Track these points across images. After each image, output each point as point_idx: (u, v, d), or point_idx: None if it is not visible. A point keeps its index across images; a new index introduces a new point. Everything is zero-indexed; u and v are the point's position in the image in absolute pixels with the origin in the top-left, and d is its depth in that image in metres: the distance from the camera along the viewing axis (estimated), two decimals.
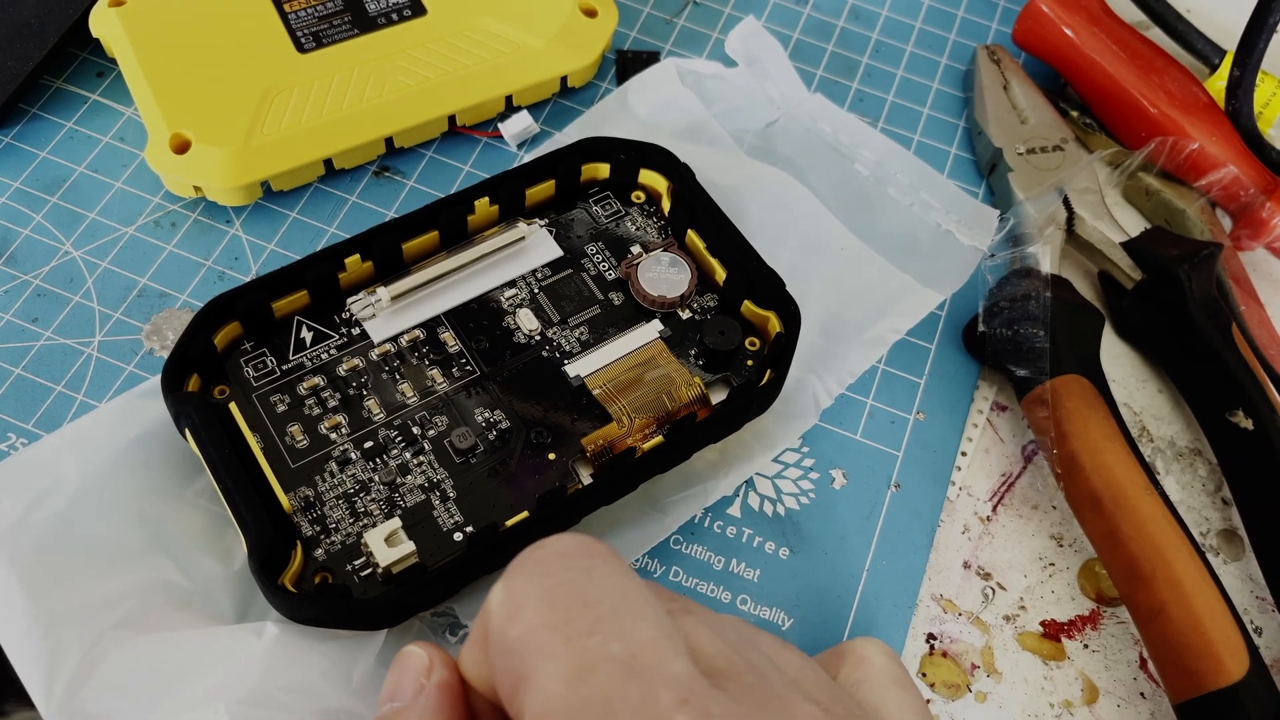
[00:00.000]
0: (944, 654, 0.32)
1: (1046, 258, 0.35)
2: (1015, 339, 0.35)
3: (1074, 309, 0.35)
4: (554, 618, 0.17)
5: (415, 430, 0.32)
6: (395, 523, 0.29)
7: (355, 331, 0.33)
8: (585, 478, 0.31)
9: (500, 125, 0.40)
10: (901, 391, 0.37)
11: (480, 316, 0.34)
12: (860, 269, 0.37)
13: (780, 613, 0.32)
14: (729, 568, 0.33)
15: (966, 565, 0.34)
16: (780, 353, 0.33)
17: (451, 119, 0.39)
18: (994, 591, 0.34)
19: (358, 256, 0.33)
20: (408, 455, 0.31)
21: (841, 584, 0.33)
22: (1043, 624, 0.33)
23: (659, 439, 0.31)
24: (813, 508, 0.34)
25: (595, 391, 0.33)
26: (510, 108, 0.40)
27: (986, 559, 0.34)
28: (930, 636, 0.33)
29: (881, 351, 0.36)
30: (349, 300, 0.33)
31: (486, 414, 0.32)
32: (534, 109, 0.41)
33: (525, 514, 0.29)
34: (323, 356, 0.33)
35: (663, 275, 0.35)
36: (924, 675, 0.32)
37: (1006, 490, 0.35)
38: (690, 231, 0.36)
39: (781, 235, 0.37)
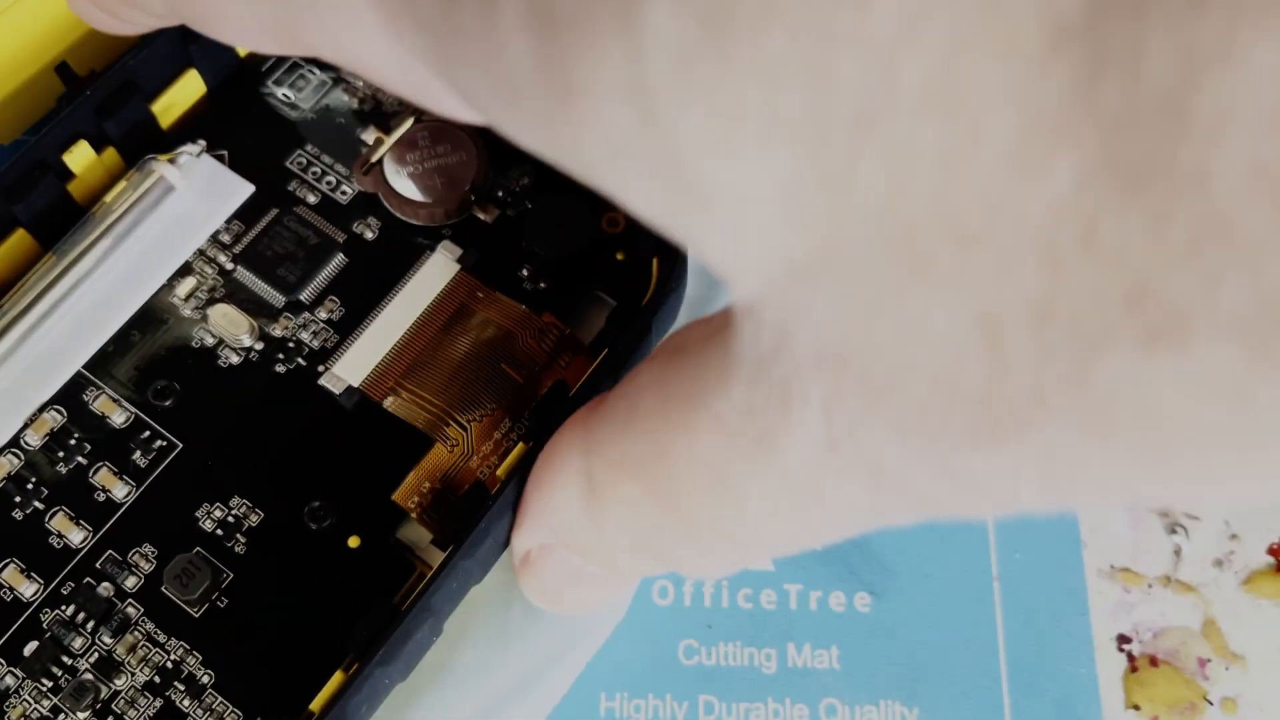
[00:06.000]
0: (1152, 660, 0.20)
1: None
2: None
3: None
4: None
5: (103, 591, 0.17)
6: None
7: None
8: (428, 552, 0.18)
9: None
10: None
11: (146, 350, 0.19)
12: None
13: (897, 706, 0.20)
14: (766, 660, 0.20)
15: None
16: None
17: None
18: (1183, 528, 0.21)
19: None
20: (106, 640, 0.17)
21: (970, 619, 0.21)
22: (1274, 550, 0.21)
23: (520, 447, 0.18)
24: None
25: (387, 403, 0.19)
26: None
27: None
28: (1122, 641, 0.21)
29: None
30: None
31: (217, 513, 0.18)
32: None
33: (346, 668, 0.16)
34: None
35: (428, 163, 0.20)
36: (1137, 708, 0.20)
37: None
38: None
39: None
